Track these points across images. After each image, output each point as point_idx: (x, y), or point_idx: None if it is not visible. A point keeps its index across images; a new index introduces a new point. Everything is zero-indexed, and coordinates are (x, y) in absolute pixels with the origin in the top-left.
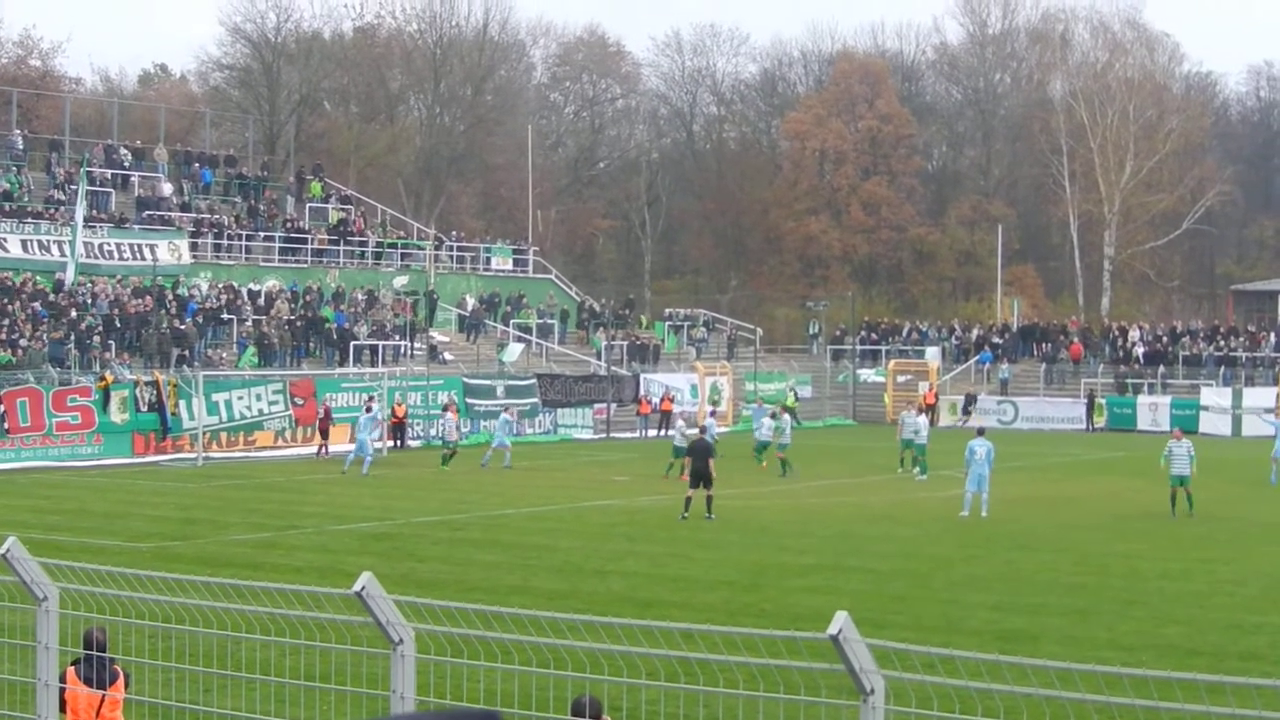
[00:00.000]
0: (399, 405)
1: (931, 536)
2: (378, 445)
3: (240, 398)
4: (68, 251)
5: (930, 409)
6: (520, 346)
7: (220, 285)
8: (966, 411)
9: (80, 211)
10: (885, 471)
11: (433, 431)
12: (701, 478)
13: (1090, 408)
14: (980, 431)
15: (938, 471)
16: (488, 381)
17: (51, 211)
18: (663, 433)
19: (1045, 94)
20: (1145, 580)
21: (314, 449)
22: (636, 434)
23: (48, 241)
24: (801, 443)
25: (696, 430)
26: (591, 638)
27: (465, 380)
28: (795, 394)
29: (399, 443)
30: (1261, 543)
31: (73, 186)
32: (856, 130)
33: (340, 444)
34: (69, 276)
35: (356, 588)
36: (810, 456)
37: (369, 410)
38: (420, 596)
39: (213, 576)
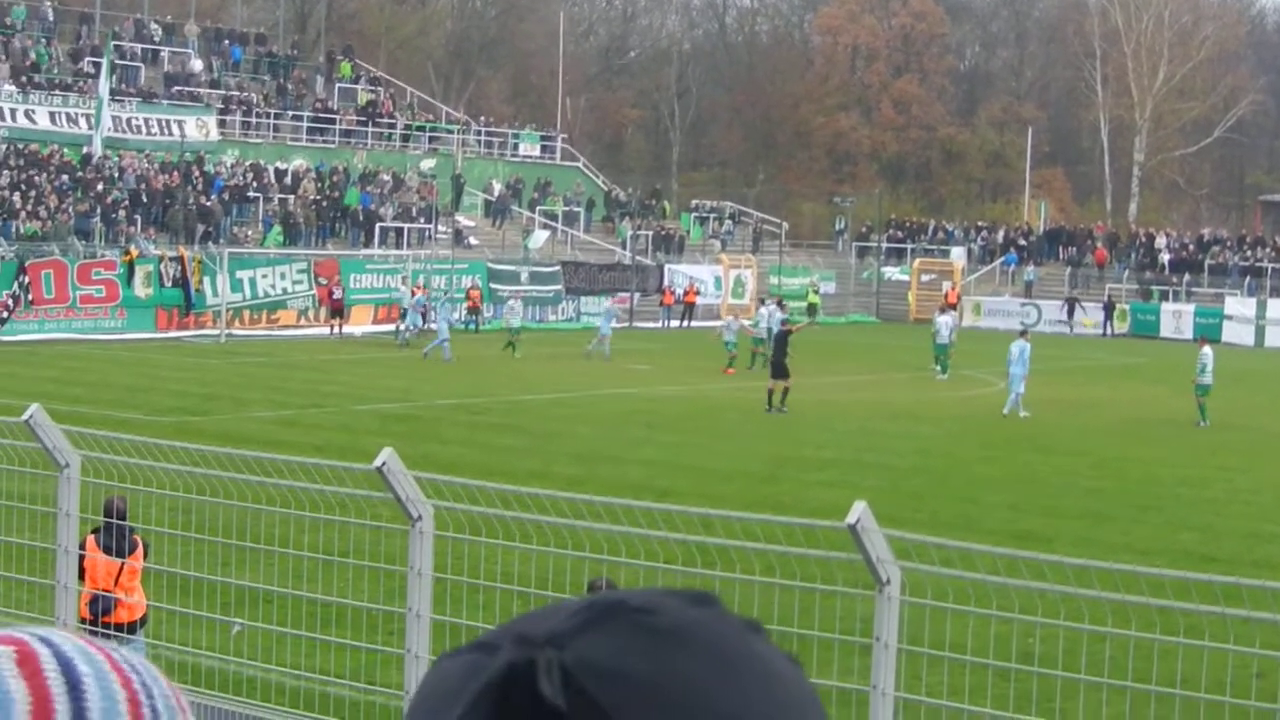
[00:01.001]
0: (419, 288)
1: (951, 435)
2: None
3: (264, 276)
4: (93, 124)
5: (952, 308)
6: (545, 234)
7: (247, 163)
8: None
9: (105, 85)
10: (908, 369)
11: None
12: (780, 370)
13: (1109, 313)
14: (1023, 332)
15: (960, 371)
16: (512, 267)
17: (80, 84)
18: (685, 324)
19: None
20: (1162, 486)
21: (328, 330)
22: (659, 324)
23: (75, 114)
24: (824, 339)
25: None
26: (610, 520)
27: (490, 265)
28: (817, 289)
29: (420, 326)
30: (1278, 453)
31: (100, 60)
32: (889, 27)
33: (361, 324)
34: (95, 150)
35: (378, 463)
36: (832, 352)
37: (445, 294)
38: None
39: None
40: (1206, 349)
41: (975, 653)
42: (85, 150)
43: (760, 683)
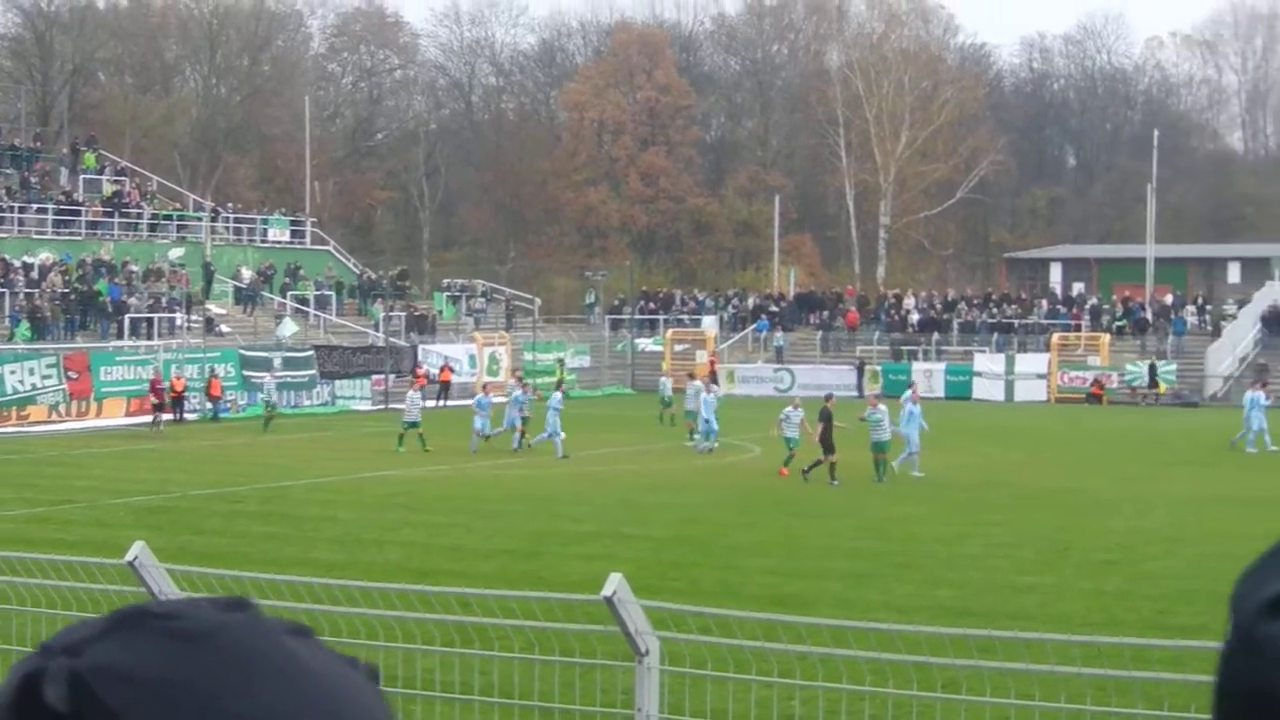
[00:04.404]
0: (178, 379)
1: (712, 503)
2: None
3: (13, 372)
4: None
5: (691, 378)
6: (288, 321)
7: None
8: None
9: None
10: (666, 439)
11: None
12: (827, 444)
13: (861, 374)
14: (910, 386)
15: (720, 439)
16: (265, 354)
17: None
18: (441, 403)
19: (822, 65)
20: (921, 544)
21: (163, 418)
22: None
23: None
24: (581, 412)
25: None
26: (368, 605)
27: (242, 352)
28: (564, 365)
29: (178, 416)
30: (1035, 506)
31: None
32: (635, 101)
33: (114, 417)
34: None
35: (129, 557)
36: (589, 425)
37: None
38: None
39: None
40: (881, 407)
41: (738, 719)
42: None
43: (285, 682)
